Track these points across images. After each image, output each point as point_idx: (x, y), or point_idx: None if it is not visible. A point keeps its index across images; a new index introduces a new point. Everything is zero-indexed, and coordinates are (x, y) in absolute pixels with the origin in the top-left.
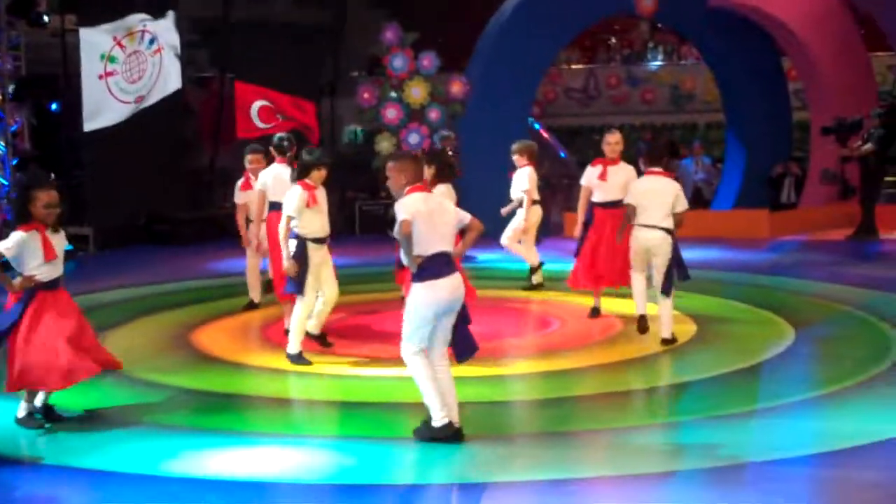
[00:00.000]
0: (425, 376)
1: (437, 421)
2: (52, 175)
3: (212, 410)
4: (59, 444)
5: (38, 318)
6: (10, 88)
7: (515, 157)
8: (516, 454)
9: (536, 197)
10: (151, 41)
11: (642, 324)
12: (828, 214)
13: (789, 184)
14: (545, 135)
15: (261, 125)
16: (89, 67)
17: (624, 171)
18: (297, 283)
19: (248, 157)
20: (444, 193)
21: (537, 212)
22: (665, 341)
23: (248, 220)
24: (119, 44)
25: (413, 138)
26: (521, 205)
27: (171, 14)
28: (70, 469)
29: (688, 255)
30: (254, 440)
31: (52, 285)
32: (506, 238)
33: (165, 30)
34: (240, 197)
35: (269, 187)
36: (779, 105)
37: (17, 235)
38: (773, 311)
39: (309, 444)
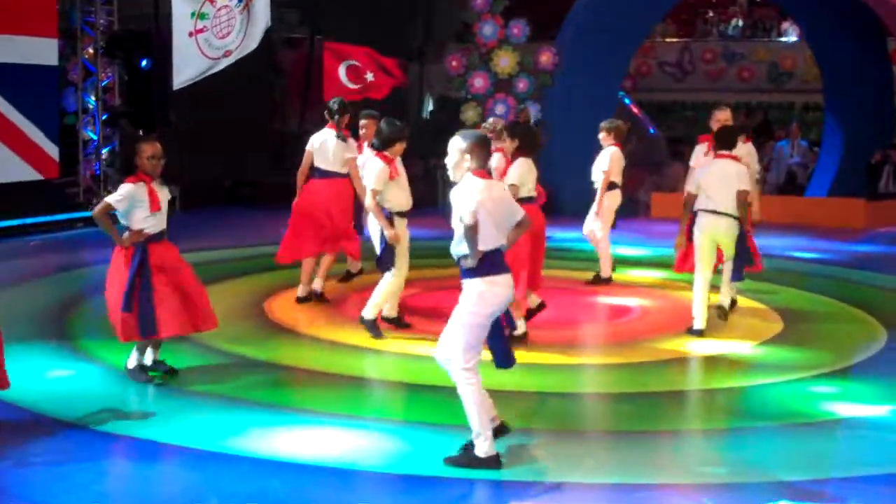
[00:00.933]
0: (477, 398)
1: (485, 452)
2: (141, 132)
3: (278, 385)
4: (122, 411)
5: (158, 270)
6: (102, 43)
7: (602, 136)
8: (585, 453)
9: (617, 180)
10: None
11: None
12: None
13: (888, 172)
14: (635, 110)
15: (349, 85)
16: (180, 26)
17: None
18: (389, 258)
19: (362, 122)
20: (522, 166)
21: (616, 196)
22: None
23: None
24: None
25: (499, 108)
26: (608, 187)
27: None
28: (130, 439)
29: (777, 242)
30: (316, 420)
31: (158, 237)
32: (598, 230)
33: None
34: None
35: (315, 150)
36: (881, 89)
37: (126, 187)
38: (866, 310)
39: (372, 427)
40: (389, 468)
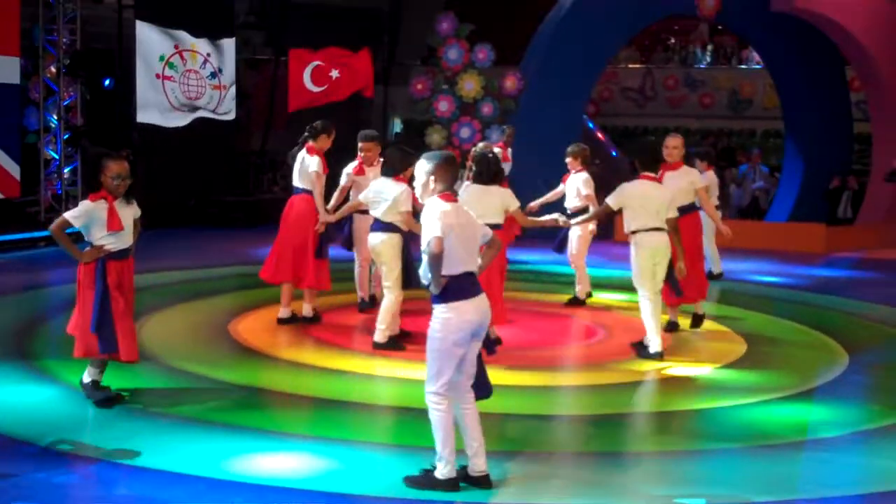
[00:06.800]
0: (443, 424)
1: (443, 475)
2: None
3: (241, 406)
4: (83, 432)
5: (114, 287)
6: (65, 62)
7: (569, 160)
8: (553, 474)
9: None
10: (213, 75)
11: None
12: (885, 232)
13: (847, 198)
14: (599, 134)
15: (313, 89)
16: (146, 61)
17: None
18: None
19: (363, 145)
20: (495, 193)
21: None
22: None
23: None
24: (180, 54)
25: (464, 132)
26: (586, 210)
27: (231, 42)
28: (90, 459)
29: (739, 266)
30: (280, 442)
31: (119, 255)
32: (579, 257)
33: (227, 59)
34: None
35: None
36: (840, 116)
37: (84, 205)
38: (826, 333)
39: (334, 448)
40: (344, 489)
